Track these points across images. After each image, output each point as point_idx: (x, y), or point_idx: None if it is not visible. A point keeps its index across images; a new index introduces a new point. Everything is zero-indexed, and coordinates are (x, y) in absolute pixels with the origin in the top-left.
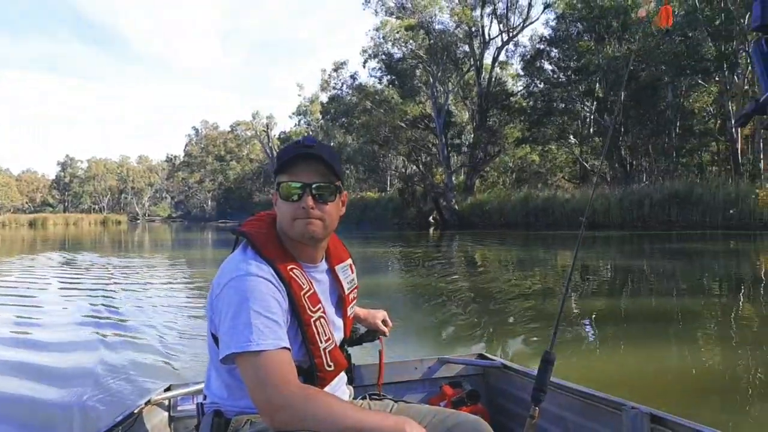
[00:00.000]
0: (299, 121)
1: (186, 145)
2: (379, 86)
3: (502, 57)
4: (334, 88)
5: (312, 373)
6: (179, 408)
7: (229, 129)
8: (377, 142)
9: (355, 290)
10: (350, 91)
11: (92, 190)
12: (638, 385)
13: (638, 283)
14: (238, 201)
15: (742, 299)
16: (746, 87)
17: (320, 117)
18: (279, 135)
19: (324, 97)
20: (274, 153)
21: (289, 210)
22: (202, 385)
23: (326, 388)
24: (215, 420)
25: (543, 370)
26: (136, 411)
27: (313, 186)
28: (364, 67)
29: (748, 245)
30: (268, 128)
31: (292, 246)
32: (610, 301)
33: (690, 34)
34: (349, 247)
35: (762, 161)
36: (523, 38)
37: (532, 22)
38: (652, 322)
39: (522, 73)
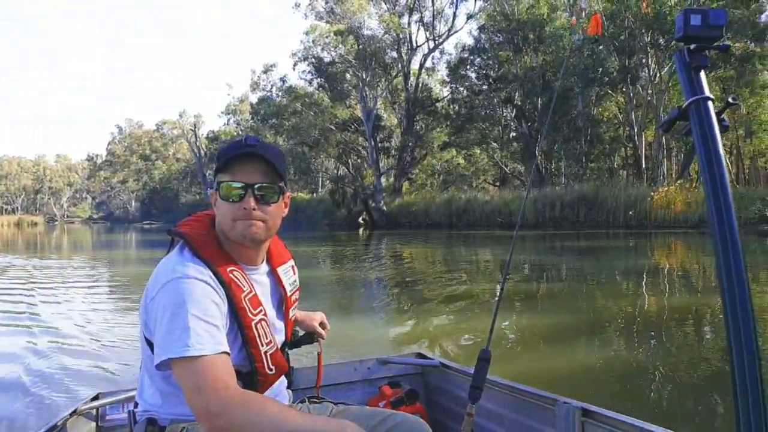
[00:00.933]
0: (228, 120)
1: (109, 144)
2: (309, 89)
3: (428, 64)
4: (263, 89)
5: (252, 378)
6: (108, 417)
7: (155, 128)
8: (307, 143)
9: (297, 292)
10: (280, 94)
11: (4, 190)
12: (567, 377)
13: (554, 278)
14: (163, 202)
15: (641, 290)
16: (649, 98)
17: (249, 117)
18: (207, 134)
19: (254, 98)
20: (202, 153)
21: (230, 211)
22: (132, 393)
23: (267, 393)
24: (148, 428)
25: (479, 368)
26: (60, 422)
27: (256, 186)
28: (294, 69)
29: (644, 242)
30: (195, 127)
31: (232, 247)
32: (532, 297)
33: (596, 49)
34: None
35: (662, 167)
36: (449, 46)
37: (456, 31)
38: (568, 314)
39: (447, 79)
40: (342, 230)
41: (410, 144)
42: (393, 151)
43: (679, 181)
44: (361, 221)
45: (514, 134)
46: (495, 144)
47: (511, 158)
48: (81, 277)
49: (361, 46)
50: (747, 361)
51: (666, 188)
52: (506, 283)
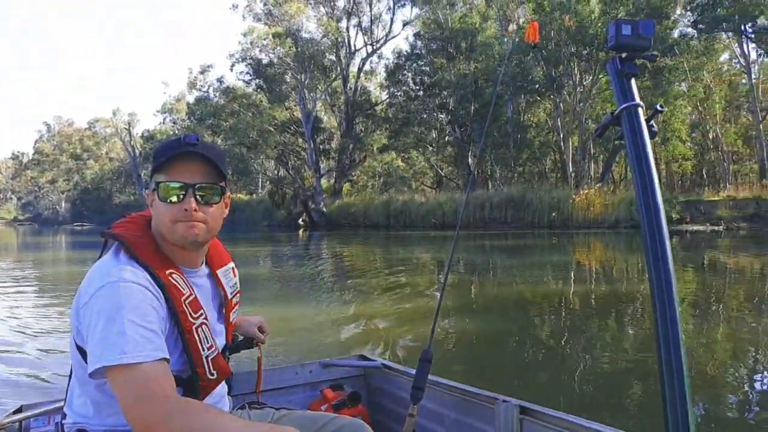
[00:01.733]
0: (164, 119)
1: (36, 142)
2: (248, 90)
3: (367, 67)
4: (200, 89)
5: (193, 384)
6: (33, 430)
7: (87, 126)
8: (246, 145)
9: (238, 294)
10: (217, 94)
11: None
12: (505, 374)
13: (486, 276)
14: (96, 202)
15: (564, 285)
16: (575, 106)
17: (186, 117)
18: (142, 133)
19: (191, 98)
20: (137, 152)
21: (169, 212)
22: (60, 404)
23: (207, 399)
24: None
25: (421, 369)
26: None
27: (196, 187)
28: (231, 70)
29: (565, 241)
30: (130, 126)
31: (171, 250)
32: (467, 294)
33: (524, 59)
34: None
35: (585, 171)
36: (387, 51)
37: (394, 36)
38: (501, 310)
39: (386, 83)
40: (282, 231)
41: (350, 146)
42: (332, 153)
43: (598, 185)
44: (301, 222)
45: (449, 139)
46: (431, 147)
47: (446, 162)
48: (2, 280)
49: (299, 49)
50: (673, 347)
51: (586, 191)
52: (446, 283)
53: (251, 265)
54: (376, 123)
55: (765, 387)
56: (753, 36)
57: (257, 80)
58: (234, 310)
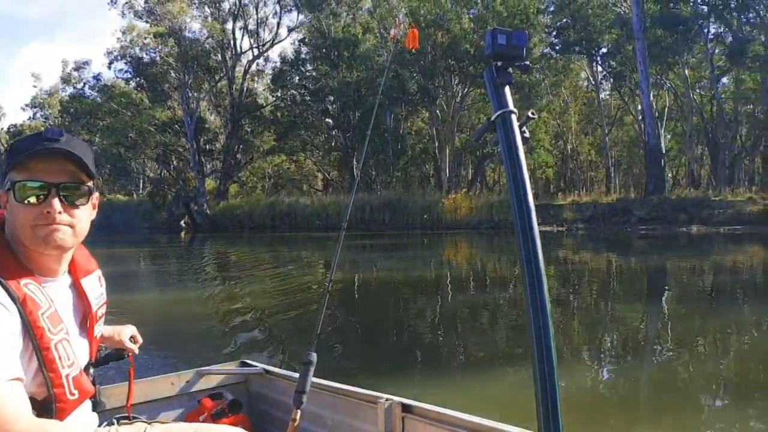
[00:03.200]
0: (34, 114)
1: None
2: (127, 88)
3: (253, 69)
4: (75, 86)
5: (50, 405)
6: None
7: None
8: (124, 144)
9: (104, 306)
10: (94, 93)
11: None
12: (387, 371)
13: (367, 273)
14: None
15: (439, 279)
16: (451, 117)
17: (59, 114)
18: (8, 128)
19: (65, 93)
20: (2, 147)
21: (29, 215)
22: None
23: (67, 420)
24: None
25: (304, 373)
26: None
27: (60, 186)
28: (109, 68)
29: (435, 241)
30: None
31: (28, 257)
32: (351, 293)
33: (399, 71)
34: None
35: (457, 176)
36: (275, 54)
37: (281, 41)
38: (383, 306)
39: (272, 87)
40: (163, 234)
41: (235, 147)
42: (217, 154)
43: (464, 190)
44: (183, 224)
45: (335, 143)
46: (318, 151)
47: (332, 166)
48: None
49: (182, 49)
50: (544, 336)
51: (454, 196)
52: (330, 285)
53: (127, 269)
54: (264, 125)
55: (612, 360)
56: (599, 59)
57: (138, 78)
58: (98, 323)
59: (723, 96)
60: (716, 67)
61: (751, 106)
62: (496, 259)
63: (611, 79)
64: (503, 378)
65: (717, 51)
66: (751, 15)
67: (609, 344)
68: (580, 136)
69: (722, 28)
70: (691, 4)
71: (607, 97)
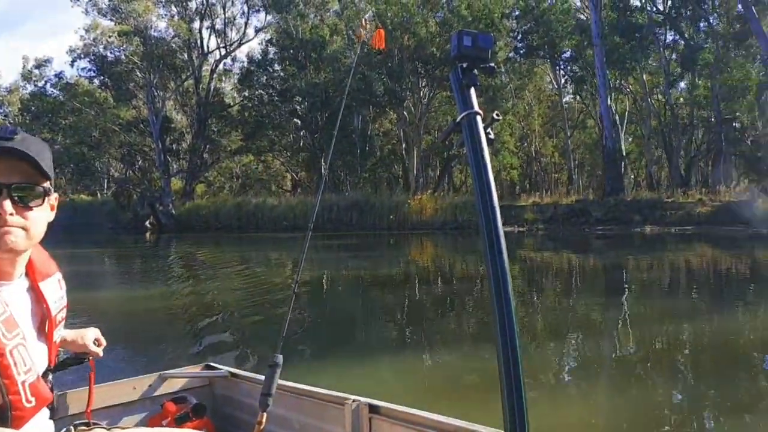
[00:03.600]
0: None
1: None
2: (90, 86)
3: (220, 69)
4: (36, 84)
5: (5, 413)
6: None
7: None
8: (87, 144)
9: (64, 309)
10: (56, 91)
11: None
12: (356, 373)
13: (334, 272)
14: None
15: (406, 277)
16: (418, 118)
17: (19, 111)
18: None
19: (25, 91)
20: None
21: None
22: None
23: (24, 428)
24: None
25: (269, 375)
26: None
27: (13, 187)
28: (72, 66)
29: (402, 241)
30: None
31: None
32: (318, 293)
33: (367, 73)
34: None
35: (423, 178)
36: (241, 54)
37: (249, 40)
38: (350, 306)
39: (239, 87)
40: (128, 234)
41: (201, 147)
42: (183, 153)
43: (429, 191)
44: (148, 225)
45: (302, 144)
46: (286, 152)
47: (299, 166)
48: None
49: (148, 48)
50: (509, 334)
51: (420, 197)
52: (296, 286)
53: (89, 270)
54: (231, 125)
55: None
56: (561, 64)
57: (102, 77)
58: (58, 327)
59: (680, 101)
60: (671, 73)
61: (705, 112)
62: (460, 258)
63: (573, 84)
64: (470, 374)
65: (674, 57)
66: (702, 24)
67: (565, 332)
68: (544, 138)
69: (676, 36)
70: (647, 12)
71: (571, 100)
